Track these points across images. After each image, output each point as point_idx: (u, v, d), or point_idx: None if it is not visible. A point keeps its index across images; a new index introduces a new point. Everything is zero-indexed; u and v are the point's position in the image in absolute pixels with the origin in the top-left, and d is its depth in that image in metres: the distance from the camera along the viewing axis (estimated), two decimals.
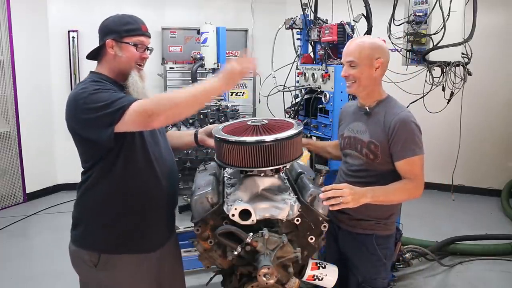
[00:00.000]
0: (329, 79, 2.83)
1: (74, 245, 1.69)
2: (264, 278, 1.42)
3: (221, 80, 1.51)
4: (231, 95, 5.47)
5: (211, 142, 1.91)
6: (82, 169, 1.68)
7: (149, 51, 1.73)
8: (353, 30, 2.83)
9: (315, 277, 1.69)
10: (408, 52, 3.06)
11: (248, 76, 1.59)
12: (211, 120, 3.00)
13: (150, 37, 1.73)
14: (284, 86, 3.27)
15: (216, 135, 1.64)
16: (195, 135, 1.99)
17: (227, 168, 1.93)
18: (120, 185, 1.62)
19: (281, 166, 1.60)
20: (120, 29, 1.65)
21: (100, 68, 1.71)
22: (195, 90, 1.51)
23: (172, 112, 1.48)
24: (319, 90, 2.94)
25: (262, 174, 1.63)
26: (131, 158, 1.62)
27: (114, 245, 1.64)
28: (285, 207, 1.54)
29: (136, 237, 1.67)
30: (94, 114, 1.48)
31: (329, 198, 1.55)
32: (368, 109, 1.89)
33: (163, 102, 1.47)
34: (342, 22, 2.83)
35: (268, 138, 1.54)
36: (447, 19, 2.80)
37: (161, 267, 1.79)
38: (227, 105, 3.13)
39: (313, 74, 3.02)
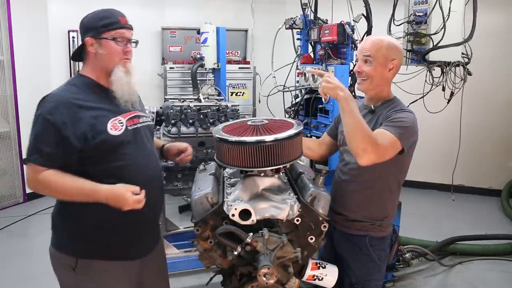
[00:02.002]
0: None
1: (53, 247, 1.68)
2: (264, 278, 1.42)
3: (108, 197, 1.50)
4: (231, 95, 5.47)
5: (173, 157, 1.96)
6: None
7: (134, 44, 1.69)
8: (353, 30, 2.83)
9: (315, 277, 1.69)
10: (408, 52, 3.06)
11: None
12: (211, 120, 2.99)
13: (131, 29, 1.67)
14: (284, 86, 3.27)
15: (216, 135, 1.64)
16: (162, 147, 1.99)
17: (227, 168, 1.93)
18: None
19: (281, 166, 1.60)
20: (97, 25, 1.61)
21: (85, 69, 1.68)
22: (80, 189, 1.51)
23: (50, 195, 1.59)
24: (319, 90, 2.94)
25: (262, 174, 1.63)
26: (104, 167, 1.59)
27: (91, 251, 1.62)
28: (285, 207, 1.54)
29: (115, 245, 1.65)
30: (30, 130, 1.56)
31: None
32: (373, 107, 1.89)
33: (46, 188, 1.54)
34: (342, 22, 2.83)
35: (268, 138, 1.54)
36: (447, 19, 2.80)
37: (145, 273, 1.78)
38: (227, 105, 3.12)
39: (313, 74, 3.02)
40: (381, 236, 1.90)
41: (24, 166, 1.57)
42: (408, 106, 1.98)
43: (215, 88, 4.69)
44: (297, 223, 1.58)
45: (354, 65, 2.93)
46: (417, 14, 2.95)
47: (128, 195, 1.49)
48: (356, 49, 2.87)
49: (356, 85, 1.90)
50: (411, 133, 1.73)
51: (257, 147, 1.52)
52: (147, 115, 1.83)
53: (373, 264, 1.88)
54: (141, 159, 1.68)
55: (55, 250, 1.67)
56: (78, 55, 1.69)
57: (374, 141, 1.60)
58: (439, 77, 3.02)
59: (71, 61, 5.24)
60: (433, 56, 2.94)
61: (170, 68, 5.32)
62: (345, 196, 1.91)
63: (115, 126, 1.61)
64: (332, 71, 2.79)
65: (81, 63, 1.73)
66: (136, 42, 1.70)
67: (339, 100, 1.62)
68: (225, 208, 1.53)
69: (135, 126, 1.70)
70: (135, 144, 1.67)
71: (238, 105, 3.20)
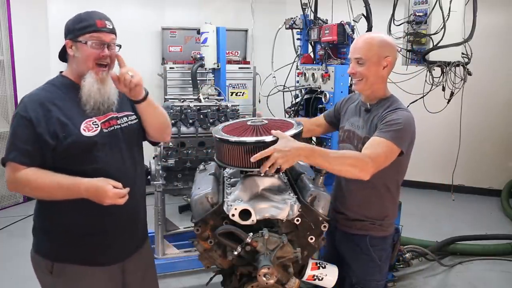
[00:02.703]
0: (329, 79, 2.83)
1: (33, 250, 1.67)
2: (264, 278, 1.42)
3: (88, 190, 1.48)
4: (231, 95, 5.47)
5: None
6: None
7: (117, 47, 1.64)
8: (353, 30, 2.83)
9: (315, 277, 1.69)
10: (408, 52, 3.06)
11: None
12: (211, 120, 2.99)
13: (111, 32, 1.61)
14: (284, 86, 3.27)
15: (216, 135, 1.64)
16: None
17: (227, 168, 1.93)
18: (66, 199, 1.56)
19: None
20: (75, 28, 1.59)
21: (66, 70, 1.68)
22: (60, 183, 1.49)
23: (30, 194, 1.59)
24: (319, 90, 2.94)
25: (262, 174, 1.63)
26: (76, 169, 1.54)
27: (66, 254, 1.61)
28: (285, 207, 1.54)
29: (88, 250, 1.63)
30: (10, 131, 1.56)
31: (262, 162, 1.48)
32: (369, 106, 1.88)
33: (25, 187, 1.52)
34: (342, 22, 2.84)
35: (268, 138, 1.54)
36: (447, 19, 2.80)
37: (130, 277, 1.76)
38: (227, 105, 3.12)
39: (313, 74, 3.02)
40: (382, 236, 1.90)
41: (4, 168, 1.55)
42: (408, 106, 1.98)
43: (215, 88, 4.69)
44: (297, 223, 1.58)
45: None
46: (417, 14, 2.95)
47: (109, 188, 1.47)
48: None
49: (353, 86, 1.90)
50: (407, 133, 1.72)
51: (257, 147, 1.52)
52: (129, 114, 1.74)
53: (373, 264, 1.88)
54: (115, 163, 1.63)
55: (34, 253, 1.66)
56: (62, 56, 1.69)
57: (364, 157, 1.60)
58: (439, 77, 3.02)
59: None
60: (433, 56, 2.94)
61: (170, 68, 5.31)
62: (346, 195, 1.92)
63: (89, 127, 1.59)
64: (332, 71, 2.79)
65: None
66: (120, 46, 1.66)
67: (307, 158, 1.54)
68: (225, 208, 1.53)
69: (111, 128, 1.66)
70: (109, 147, 1.63)
71: (238, 105, 3.19)
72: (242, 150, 1.54)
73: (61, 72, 1.70)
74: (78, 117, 1.58)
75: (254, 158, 1.48)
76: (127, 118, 1.74)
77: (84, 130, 1.57)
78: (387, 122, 1.71)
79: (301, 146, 1.52)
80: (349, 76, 2.86)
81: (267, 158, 1.48)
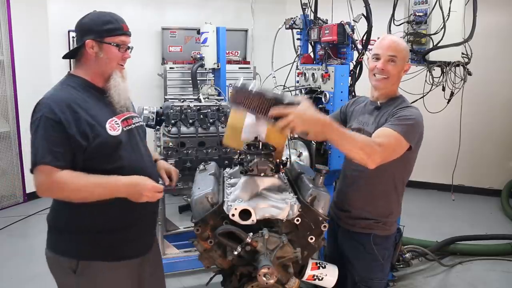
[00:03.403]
0: (329, 79, 2.83)
1: (50, 251, 1.66)
2: (264, 278, 1.42)
3: (128, 186, 1.54)
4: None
5: (164, 176, 1.89)
6: None
7: (129, 50, 1.70)
8: (353, 30, 2.83)
9: (315, 277, 1.69)
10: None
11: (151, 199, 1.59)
12: (211, 120, 2.99)
13: (130, 36, 1.69)
14: (284, 86, 3.27)
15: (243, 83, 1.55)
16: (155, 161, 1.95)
17: (227, 168, 1.94)
18: None
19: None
20: (100, 29, 1.60)
21: (78, 69, 1.67)
22: (97, 183, 1.52)
23: (66, 197, 1.55)
24: (319, 90, 2.94)
25: (262, 174, 1.63)
26: (103, 169, 1.57)
27: (92, 252, 1.62)
28: (285, 207, 1.54)
29: (115, 245, 1.65)
30: (32, 135, 1.53)
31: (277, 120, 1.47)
32: (379, 103, 1.93)
33: (61, 190, 1.50)
34: (342, 22, 2.83)
35: (291, 98, 1.54)
36: (447, 19, 2.80)
37: (143, 273, 1.78)
38: (227, 105, 3.12)
39: (313, 74, 3.02)
40: (385, 234, 1.92)
41: (33, 172, 1.52)
42: None
43: (215, 88, 4.70)
44: (297, 223, 1.58)
45: (355, 64, 2.94)
46: (417, 14, 2.94)
47: (149, 182, 1.55)
48: (356, 49, 2.88)
49: (373, 82, 1.91)
50: (417, 129, 1.77)
51: (278, 102, 1.50)
52: (135, 115, 1.82)
53: (376, 263, 1.90)
54: (136, 160, 1.68)
55: (53, 254, 1.65)
56: (72, 54, 1.69)
57: (374, 144, 1.61)
58: (439, 77, 3.02)
59: (71, 61, 5.24)
60: (433, 56, 2.93)
61: (170, 68, 5.32)
62: (350, 192, 1.94)
63: (113, 127, 1.61)
64: (332, 71, 2.79)
65: None
66: (132, 48, 1.72)
67: (322, 130, 1.52)
68: (225, 208, 1.53)
69: (129, 127, 1.71)
70: (130, 145, 1.67)
71: None
72: (265, 100, 1.50)
73: (69, 72, 1.69)
74: (101, 117, 1.61)
75: (272, 112, 1.47)
76: (138, 119, 1.81)
77: (110, 129, 1.60)
78: (399, 117, 1.76)
79: (320, 116, 1.50)
80: (350, 75, 2.88)
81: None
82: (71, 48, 5.22)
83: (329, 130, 1.51)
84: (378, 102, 1.93)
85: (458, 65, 3.02)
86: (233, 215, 1.49)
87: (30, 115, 1.57)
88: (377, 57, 1.88)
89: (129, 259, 1.69)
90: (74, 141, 1.51)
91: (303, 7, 3.21)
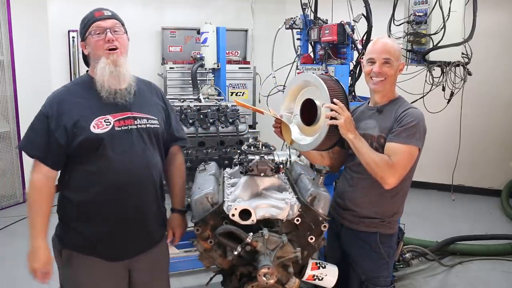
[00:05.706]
0: None
1: (54, 232, 1.75)
2: (264, 278, 1.42)
3: (31, 251, 1.62)
4: (231, 95, 5.47)
5: (169, 233, 1.90)
6: None
7: (122, 28, 1.68)
8: (353, 30, 2.83)
9: (315, 277, 1.70)
10: (408, 52, 3.06)
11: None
12: (211, 120, 2.99)
13: (110, 18, 1.66)
14: (284, 86, 3.27)
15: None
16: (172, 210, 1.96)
17: (227, 168, 1.94)
18: (71, 193, 1.64)
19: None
20: (81, 29, 1.70)
21: (90, 70, 1.74)
22: (30, 224, 1.62)
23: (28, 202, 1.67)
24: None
25: (262, 174, 1.63)
26: (81, 169, 1.61)
27: (74, 243, 1.66)
28: (285, 207, 1.54)
29: (96, 242, 1.65)
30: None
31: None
32: (380, 107, 1.94)
33: (29, 192, 1.64)
34: (342, 22, 2.83)
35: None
36: (447, 19, 2.80)
37: (137, 277, 1.76)
38: (227, 105, 3.12)
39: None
40: (390, 233, 1.93)
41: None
42: None
43: (215, 88, 4.69)
44: (297, 223, 1.58)
45: (355, 64, 2.94)
46: (417, 14, 2.95)
47: (38, 266, 1.61)
48: (356, 49, 2.88)
49: (371, 85, 1.93)
50: (421, 129, 1.82)
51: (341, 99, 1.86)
52: (151, 117, 1.73)
53: (382, 261, 1.91)
54: (125, 162, 1.62)
55: (54, 235, 1.73)
56: (85, 59, 1.78)
57: (388, 164, 1.75)
58: (439, 77, 3.02)
59: (71, 61, 5.24)
60: (433, 56, 2.94)
61: (170, 68, 5.31)
62: (356, 192, 1.94)
63: (99, 125, 1.59)
64: (332, 71, 2.79)
65: (81, 64, 1.79)
66: (123, 25, 1.70)
67: (351, 140, 1.80)
68: (225, 208, 1.53)
69: (125, 128, 1.64)
70: (119, 145, 1.61)
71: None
72: (343, 95, 1.86)
73: (86, 71, 1.77)
74: (92, 114, 1.61)
75: (331, 104, 1.78)
76: (147, 121, 1.71)
77: (94, 127, 1.58)
78: (403, 126, 1.81)
79: (355, 131, 1.82)
80: (350, 75, 2.88)
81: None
82: (71, 48, 5.28)
83: (357, 140, 1.79)
84: (379, 105, 1.94)
85: (458, 65, 3.02)
86: (233, 215, 1.49)
87: (33, 112, 1.67)
88: (371, 61, 1.90)
89: (110, 261, 1.67)
90: (52, 135, 1.58)
91: (303, 7, 3.21)
